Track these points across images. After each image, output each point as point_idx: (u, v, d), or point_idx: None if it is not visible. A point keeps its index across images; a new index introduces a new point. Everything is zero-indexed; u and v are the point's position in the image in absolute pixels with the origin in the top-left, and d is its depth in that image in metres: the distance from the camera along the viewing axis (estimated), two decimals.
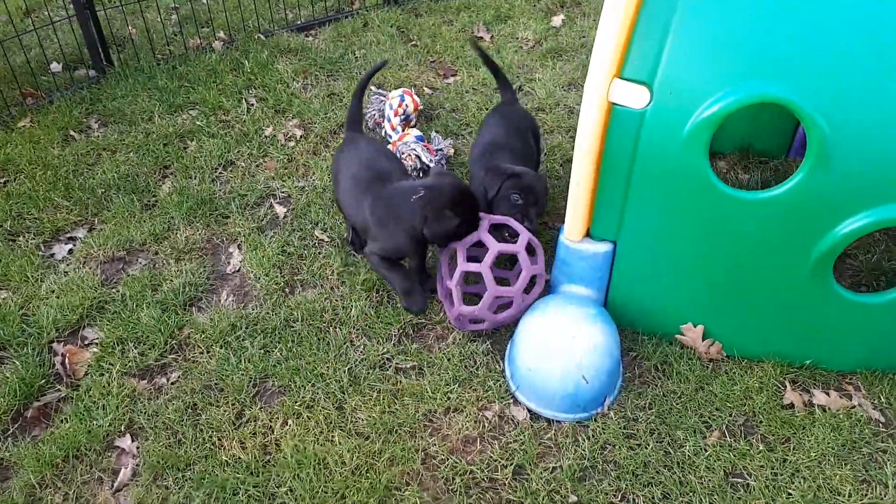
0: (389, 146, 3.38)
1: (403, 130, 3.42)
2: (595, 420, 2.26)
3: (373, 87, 3.71)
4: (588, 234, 2.40)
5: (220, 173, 3.29)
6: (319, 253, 2.85)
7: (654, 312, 2.47)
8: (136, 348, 2.45)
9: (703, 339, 2.43)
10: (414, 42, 4.40)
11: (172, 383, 2.36)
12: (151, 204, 3.10)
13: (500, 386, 2.34)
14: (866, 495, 2.05)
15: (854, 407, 2.29)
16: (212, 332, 2.49)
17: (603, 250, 2.37)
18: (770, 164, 3.19)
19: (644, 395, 2.33)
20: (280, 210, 3.08)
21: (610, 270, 2.44)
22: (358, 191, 2.57)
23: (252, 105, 3.74)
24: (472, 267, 2.36)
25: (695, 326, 2.42)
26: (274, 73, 3.98)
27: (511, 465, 2.13)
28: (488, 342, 2.49)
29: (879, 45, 1.81)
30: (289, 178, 3.26)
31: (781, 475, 2.10)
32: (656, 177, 2.14)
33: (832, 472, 2.10)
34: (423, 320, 2.58)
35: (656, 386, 2.36)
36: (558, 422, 2.26)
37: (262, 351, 2.45)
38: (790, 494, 2.05)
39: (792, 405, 2.30)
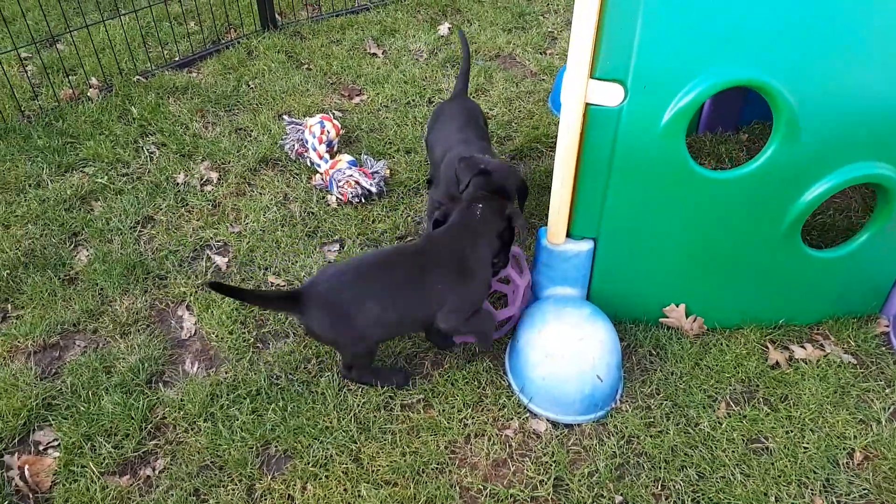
0: (320, 176, 3.23)
1: (332, 158, 3.27)
2: (611, 416, 2.27)
3: (285, 117, 3.52)
4: (568, 235, 2.41)
5: (141, 231, 2.97)
6: None
7: (637, 300, 2.53)
8: (107, 442, 2.14)
9: (687, 317, 2.52)
10: (307, 66, 4.24)
11: (162, 472, 2.09)
12: (71, 278, 2.74)
13: (514, 402, 2.29)
14: (868, 435, 2.21)
15: (828, 355, 2.47)
16: (191, 407, 2.24)
17: (585, 249, 2.39)
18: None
19: (648, 381, 2.38)
20: (221, 261, 2.84)
21: (591, 267, 2.46)
22: None
23: (154, 153, 3.43)
24: None
25: (677, 306, 2.51)
26: (168, 115, 3.67)
27: (549, 478, 2.08)
28: (487, 360, 2.43)
29: (833, 18, 1.95)
30: (220, 224, 3.01)
31: (792, 432, 2.22)
32: (636, 170, 2.18)
33: (833, 419, 2.25)
34: (413, 349, 2.47)
35: (656, 370, 2.41)
36: (578, 425, 2.25)
37: (255, 416, 2.23)
38: (806, 448, 2.17)
39: (777, 364, 2.44)
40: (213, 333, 2.52)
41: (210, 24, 4.57)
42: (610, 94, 2.08)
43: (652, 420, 2.25)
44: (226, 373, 2.38)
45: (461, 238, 2.23)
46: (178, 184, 3.23)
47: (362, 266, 2.21)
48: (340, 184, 3.12)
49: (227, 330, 2.52)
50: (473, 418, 2.24)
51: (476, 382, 2.35)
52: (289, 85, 4.00)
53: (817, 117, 2.04)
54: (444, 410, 2.26)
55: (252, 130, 3.61)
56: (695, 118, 3.45)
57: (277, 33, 4.53)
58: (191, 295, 2.67)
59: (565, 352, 2.21)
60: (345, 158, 3.22)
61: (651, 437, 2.20)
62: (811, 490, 2.07)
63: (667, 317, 2.53)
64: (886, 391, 2.34)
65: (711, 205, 2.24)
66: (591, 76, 2.06)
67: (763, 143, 3.41)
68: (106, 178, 3.24)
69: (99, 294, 2.66)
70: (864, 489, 2.08)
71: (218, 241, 2.94)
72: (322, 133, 3.32)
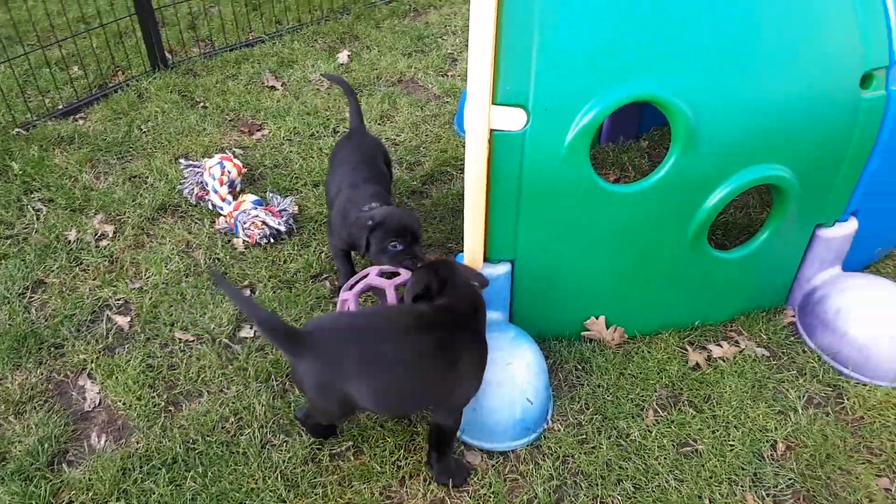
0: (223, 219, 3.10)
1: (235, 199, 3.14)
2: (545, 437, 2.25)
3: (181, 160, 3.37)
4: (485, 259, 2.38)
5: (31, 297, 2.75)
6: (189, 356, 2.51)
7: (558, 316, 2.53)
8: None
9: (607, 328, 2.54)
10: (203, 104, 4.09)
11: None
12: None
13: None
14: (787, 425, 2.28)
15: (743, 350, 2.54)
16: (100, 486, 2.07)
17: (503, 271, 2.38)
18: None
19: (577, 396, 2.38)
20: (122, 321, 2.66)
21: (510, 288, 2.45)
22: None
23: (40, 210, 3.20)
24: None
25: (597, 319, 2.53)
26: (54, 169, 3.44)
27: None
28: None
29: (720, 34, 2.03)
30: (118, 281, 2.83)
31: (718, 431, 2.27)
32: (544, 190, 2.19)
33: (754, 414, 2.31)
34: None
35: (583, 385, 2.42)
36: (512, 451, 2.21)
37: (172, 487, 2.08)
38: (732, 446, 2.22)
39: (698, 365, 2.49)
40: (120, 401, 2.35)
41: (95, 68, 4.34)
42: (512, 119, 2.08)
43: (584, 436, 2.25)
44: (137, 443, 2.22)
45: (477, 320, 2.09)
46: (69, 241, 3.02)
47: (378, 324, 1.97)
48: (246, 225, 3.00)
49: (135, 396, 2.35)
50: (407, 459, 2.17)
51: (405, 421, 2.28)
52: (184, 126, 3.84)
53: (713, 126, 2.11)
54: (375, 455, 2.18)
55: (147, 177, 3.43)
56: (597, 130, 3.52)
57: (169, 72, 4.35)
58: (92, 362, 2.48)
59: (494, 378, 2.18)
60: (249, 199, 3.10)
61: (585, 454, 2.19)
62: (741, 487, 2.11)
63: (588, 330, 2.55)
64: (799, 380, 2.43)
65: (620, 218, 2.27)
66: (493, 102, 2.06)
67: (663, 148, 3.53)
68: None
69: None
70: (789, 479, 2.14)
71: (118, 300, 2.76)
72: (223, 174, 3.19)
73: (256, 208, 3.04)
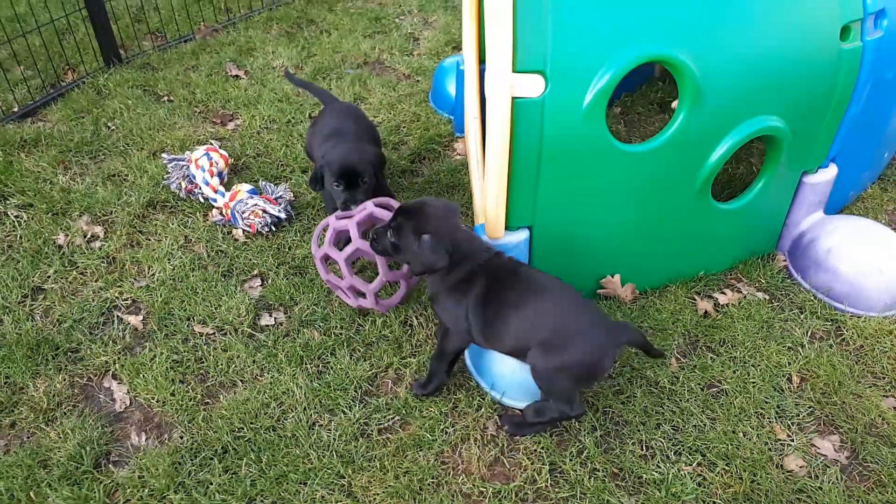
0: (217, 211, 3.05)
1: (227, 190, 3.09)
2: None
3: (164, 155, 3.28)
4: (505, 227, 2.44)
5: (32, 305, 2.65)
6: (215, 348, 2.48)
7: (575, 277, 2.58)
8: None
9: (622, 286, 2.65)
10: (167, 97, 3.98)
11: None
12: None
13: (488, 400, 2.30)
14: (798, 360, 2.45)
15: (745, 296, 2.71)
16: (155, 483, 2.03)
17: (523, 238, 2.44)
18: None
19: None
20: (134, 320, 2.60)
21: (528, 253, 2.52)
22: None
23: (20, 217, 3.06)
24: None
25: (612, 277, 2.63)
26: (25, 173, 3.29)
27: (544, 466, 2.12)
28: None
29: None
30: (122, 281, 2.75)
31: (738, 371, 2.42)
32: (563, 154, 2.26)
33: (767, 352, 2.48)
34: (372, 370, 2.41)
35: None
36: None
37: (229, 476, 2.07)
38: (754, 383, 2.37)
39: (707, 313, 2.63)
40: (153, 398, 2.30)
41: (44, 66, 4.14)
42: (532, 86, 2.13)
43: (619, 388, 2.35)
44: (181, 437, 2.19)
45: None
46: (60, 246, 2.91)
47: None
48: (245, 215, 2.96)
49: (168, 392, 2.31)
50: (454, 425, 2.23)
51: (445, 390, 2.33)
52: (154, 121, 3.73)
53: (716, 82, 2.22)
54: (422, 425, 2.22)
55: (127, 175, 3.33)
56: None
57: (124, 67, 4.20)
58: (114, 363, 2.42)
59: None
60: (243, 188, 3.06)
61: (622, 403, 2.30)
62: (768, 419, 2.27)
63: (604, 288, 2.65)
64: (801, 317, 2.61)
65: (633, 176, 2.37)
66: (513, 70, 2.11)
67: (635, 114, 3.66)
68: None
69: (5, 383, 2.34)
70: (809, 407, 2.31)
71: (125, 300, 2.69)
72: (211, 165, 3.13)
73: (253, 197, 3.00)
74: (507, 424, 2.20)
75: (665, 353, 2.40)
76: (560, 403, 2.10)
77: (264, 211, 2.95)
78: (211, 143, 3.38)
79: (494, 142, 2.19)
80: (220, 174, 3.17)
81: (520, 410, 2.24)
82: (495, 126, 2.16)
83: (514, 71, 2.11)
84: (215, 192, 3.07)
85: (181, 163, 3.19)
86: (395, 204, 2.45)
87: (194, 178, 3.12)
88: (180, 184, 3.16)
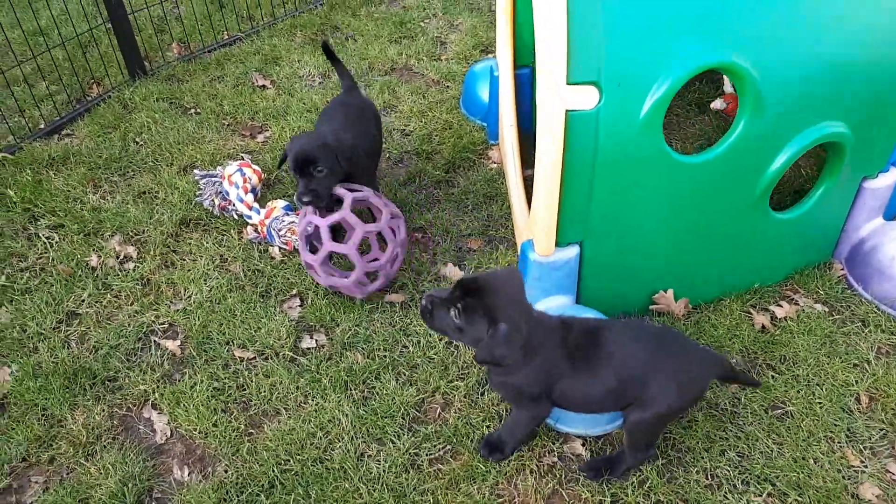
0: (252, 228, 2.97)
1: (262, 206, 3.01)
2: None
3: (195, 171, 3.21)
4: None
5: (67, 331, 2.59)
6: (256, 374, 2.41)
7: (626, 292, 2.52)
8: None
9: (676, 301, 2.54)
10: (195, 109, 3.91)
11: None
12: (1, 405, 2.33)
13: (541, 428, 2.20)
14: (865, 377, 2.33)
15: (803, 308, 2.59)
16: None
17: (573, 254, 2.35)
18: None
19: None
20: (172, 345, 2.53)
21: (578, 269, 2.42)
22: None
23: (51, 238, 3.00)
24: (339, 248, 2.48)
25: (665, 292, 2.53)
26: (55, 192, 3.24)
27: (606, 497, 2.02)
28: (494, 391, 2.32)
29: None
30: (158, 304, 2.69)
31: (802, 391, 2.30)
32: (618, 167, 2.16)
33: (832, 369, 2.36)
34: (419, 395, 2.32)
35: None
36: (607, 434, 2.20)
37: None
38: (820, 403, 2.26)
39: (764, 327, 2.52)
40: (195, 429, 2.23)
41: (69, 81, 4.09)
42: (586, 98, 2.03)
43: None
44: (225, 471, 2.11)
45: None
46: (93, 268, 2.85)
47: None
48: (282, 233, 2.88)
49: (210, 422, 2.24)
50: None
51: (495, 416, 2.24)
52: (182, 134, 3.66)
53: (778, 88, 2.11)
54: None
55: (158, 192, 3.26)
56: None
57: (150, 80, 4.14)
58: (154, 392, 2.35)
59: None
60: (279, 204, 2.98)
61: (683, 429, 2.19)
62: (839, 443, 2.15)
63: (657, 304, 2.54)
64: (866, 331, 2.49)
65: (689, 187, 2.26)
66: (567, 83, 2.00)
67: (673, 114, 3.53)
68: (3, 278, 2.79)
69: (43, 416, 2.28)
70: (881, 429, 2.19)
71: (162, 324, 2.62)
72: (245, 182, 3.06)
73: (289, 214, 2.93)
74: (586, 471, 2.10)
75: (760, 383, 2.27)
76: (638, 453, 2.02)
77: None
78: (243, 158, 3.30)
79: (546, 156, 2.09)
80: (253, 190, 3.10)
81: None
82: (548, 140, 2.06)
83: (567, 83, 2.01)
84: (250, 209, 2.99)
85: (213, 179, 3.12)
86: (370, 194, 2.55)
87: (227, 194, 3.05)
88: (213, 200, 3.09)
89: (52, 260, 2.89)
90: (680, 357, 1.95)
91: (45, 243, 2.97)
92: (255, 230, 2.97)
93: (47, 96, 3.96)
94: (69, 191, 3.25)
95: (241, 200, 3.00)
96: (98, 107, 3.90)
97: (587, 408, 2.03)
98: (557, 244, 2.33)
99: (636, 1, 1.98)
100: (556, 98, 2.00)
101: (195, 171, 3.22)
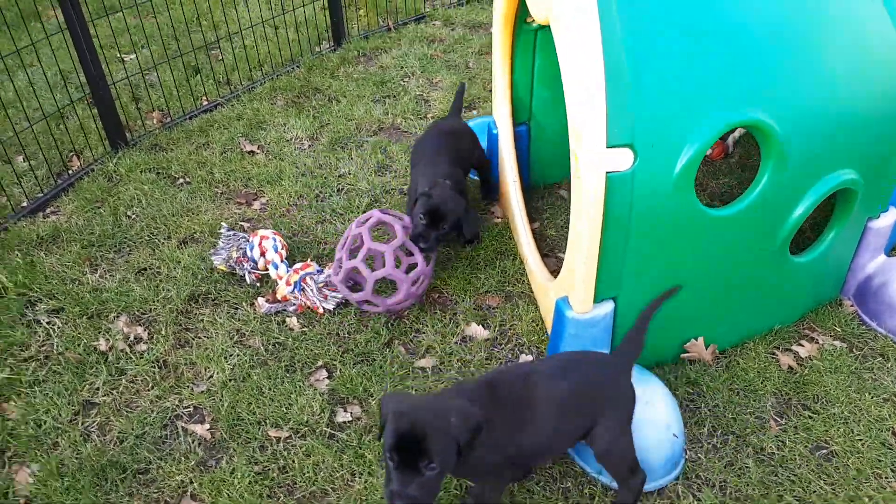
0: (266, 298, 2.91)
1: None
2: (688, 467, 2.25)
3: (223, 225, 3.16)
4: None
5: (86, 423, 2.45)
6: (295, 453, 2.32)
7: (659, 343, 2.55)
8: None
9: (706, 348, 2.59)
10: (184, 179, 3.83)
11: None
12: None
13: (600, 487, 2.18)
14: None
15: (823, 346, 2.67)
16: None
17: (609, 310, 2.37)
18: None
19: (700, 420, 2.40)
20: (201, 429, 2.42)
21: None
22: None
23: (52, 323, 2.86)
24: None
25: (696, 340, 2.57)
26: (51, 274, 3.10)
27: None
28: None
29: (798, 45, 2.15)
30: (179, 388, 2.58)
31: (842, 429, 2.35)
32: (653, 224, 2.21)
33: (865, 406, 2.42)
34: None
35: (700, 407, 2.45)
36: (663, 488, 2.20)
37: None
38: (861, 440, 2.31)
39: (791, 368, 2.58)
40: None
41: (48, 154, 3.96)
42: (622, 160, 2.09)
43: (727, 459, 2.27)
44: None
45: None
46: (102, 352, 2.72)
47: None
48: (319, 286, 2.83)
49: None
50: None
51: (552, 479, 2.21)
52: (175, 206, 3.57)
53: (799, 140, 2.21)
54: None
55: (159, 268, 3.16)
56: None
57: (132, 150, 4.05)
58: (191, 482, 2.24)
59: (637, 421, 2.15)
60: (312, 264, 2.95)
61: (737, 476, 2.21)
62: (886, 479, 2.20)
63: (687, 352, 2.58)
64: (888, 365, 2.58)
65: (718, 239, 2.33)
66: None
67: None
68: (6, 370, 2.64)
69: None
70: None
71: (186, 408, 2.51)
72: (283, 248, 3.04)
73: (321, 273, 2.90)
74: None
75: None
76: (631, 479, 2.04)
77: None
78: (232, 224, 3.25)
79: (586, 218, 2.13)
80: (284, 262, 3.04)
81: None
82: (588, 202, 2.10)
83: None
84: (282, 280, 2.92)
85: (240, 236, 3.08)
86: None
87: (255, 260, 2.99)
88: (230, 254, 3.02)
89: (57, 347, 2.75)
90: (592, 371, 2.07)
91: (46, 329, 2.83)
92: (268, 300, 2.91)
93: (27, 171, 3.82)
94: (65, 271, 3.12)
95: (276, 268, 2.94)
96: (81, 181, 3.79)
97: (547, 451, 2.07)
98: (594, 300, 2.35)
99: (665, 63, 2.06)
100: (598, 161, 2.04)
101: (222, 224, 3.17)
